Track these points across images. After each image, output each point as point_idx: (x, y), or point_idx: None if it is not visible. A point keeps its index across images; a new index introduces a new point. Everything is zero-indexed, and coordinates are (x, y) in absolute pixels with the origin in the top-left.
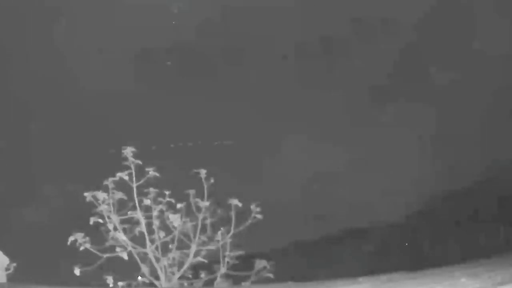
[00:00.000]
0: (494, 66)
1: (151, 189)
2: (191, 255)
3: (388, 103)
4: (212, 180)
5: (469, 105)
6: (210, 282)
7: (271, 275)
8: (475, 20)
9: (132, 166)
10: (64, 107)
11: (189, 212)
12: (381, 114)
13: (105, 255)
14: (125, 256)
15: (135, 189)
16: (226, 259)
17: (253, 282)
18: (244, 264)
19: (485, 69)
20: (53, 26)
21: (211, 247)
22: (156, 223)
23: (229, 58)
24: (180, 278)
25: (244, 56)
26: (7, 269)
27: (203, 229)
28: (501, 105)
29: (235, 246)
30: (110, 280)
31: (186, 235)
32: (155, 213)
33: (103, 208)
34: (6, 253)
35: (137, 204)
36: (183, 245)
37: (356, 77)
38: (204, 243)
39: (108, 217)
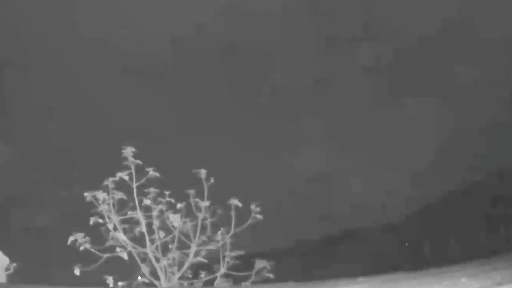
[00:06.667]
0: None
1: (151, 189)
2: (191, 255)
3: (389, 105)
4: (212, 180)
5: (470, 107)
6: (210, 282)
7: (271, 275)
8: None
9: (132, 166)
10: (65, 109)
11: (189, 212)
12: (382, 116)
13: (105, 255)
14: (125, 256)
15: (135, 189)
16: (226, 259)
17: (253, 282)
18: (244, 264)
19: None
20: (55, 24)
21: (211, 247)
22: (156, 223)
23: (229, 58)
24: (180, 278)
25: (245, 57)
26: (7, 269)
27: (203, 229)
28: (502, 109)
29: (235, 246)
30: (110, 280)
31: (186, 235)
32: (155, 213)
33: (103, 208)
34: (6, 253)
35: (137, 204)
36: (183, 245)
37: (358, 79)
38: (204, 243)
39: (108, 217)
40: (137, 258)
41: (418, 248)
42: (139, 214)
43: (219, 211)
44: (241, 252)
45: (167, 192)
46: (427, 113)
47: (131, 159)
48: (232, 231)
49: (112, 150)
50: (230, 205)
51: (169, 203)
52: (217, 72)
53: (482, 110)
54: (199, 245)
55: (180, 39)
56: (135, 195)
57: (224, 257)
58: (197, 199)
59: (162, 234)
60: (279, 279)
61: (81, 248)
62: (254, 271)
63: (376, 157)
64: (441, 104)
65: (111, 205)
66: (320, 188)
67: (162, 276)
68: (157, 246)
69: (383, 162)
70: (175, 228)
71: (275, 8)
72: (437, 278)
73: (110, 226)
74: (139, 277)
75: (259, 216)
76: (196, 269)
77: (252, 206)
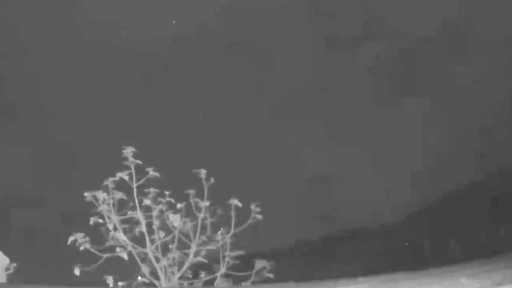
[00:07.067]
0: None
1: (151, 189)
2: (191, 255)
3: (389, 105)
4: (212, 180)
5: (470, 107)
6: (210, 282)
7: (271, 275)
8: None
9: (132, 166)
10: (65, 109)
11: (189, 212)
12: (382, 116)
13: (105, 255)
14: (125, 256)
15: (135, 189)
16: (226, 259)
17: (253, 282)
18: (244, 264)
19: (488, 73)
20: (55, 24)
21: (211, 247)
22: (156, 223)
23: (229, 58)
24: (180, 278)
25: (245, 57)
26: (7, 269)
27: (203, 229)
28: (502, 109)
29: (235, 246)
30: (110, 280)
31: (186, 235)
32: (155, 213)
33: (103, 208)
34: (6, 253)
35: (137, 204)
36: (183, 245)
37: (358, 79)
38: (204, 243)
39: (108, 217)
40: (137, 258)
41: (418, 248)
42: (139, 214)
43: (219, 211)
44: (241, 252)
45: (167, 192)
46: (427, 113)
47: (131, 159)
48: (232, 231)
49: (112, 150)
50: (230, 205)
51: (169, 203)
52: (217, 72)
53: (482, 110)
54: (199, 245)
55: (180, 39)
56: (135, 195)
57: (224, 257)
58: (197, 199)
59: (162, 234)
60: (279, 279)
61: (81, 248)
62: (254, 271)
63: (376, 157)
64: (441, 104)
65: (111, 205)
66: (320, 188)
67: (162, 276)
68: (157, 246)
69: (383, 162)
70: (175, 228)
71: (275, 8)
72: (437, 278)
73: (110, 226)
74: (139, 277)
75: (259, 216)
76: (196, 269)
77: (252, 206)
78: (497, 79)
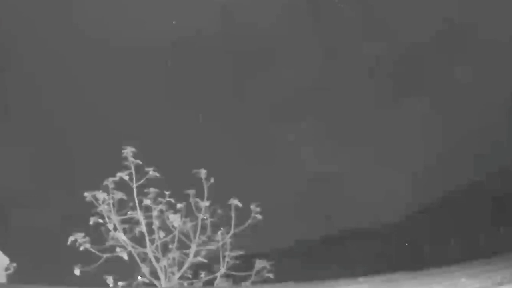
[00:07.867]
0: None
1: (151, 189)
2: (191, 255)
3: (389, 106)
4: (212, 180)
5: (470, 107)
6: (210, 282)
7: (271, 275)
8: None
9: (132, 166)
10: (65, 109)
11: (189, 212)
12: (382, 116)
13: (105, 255)
14: (125, 256)
15: (135, 189)
16: (226, 259)
17: (253, 282)
18: (244, 264)
19: (488, 73)
20: (55, 24)
21: (211, 247)
22: (156, 223)
23: (229, 58)
24: (180, 278)
25: (245, 57)
26: (7, 269)
27: (203, 229)
28: (502, 109)
29: (235, 246)
30: (110, 280)
31: (186, 235)
32: (155, 213)
33: (103, 208)
34: (6, 253)
35: (137, 204)
36: (183, 245)
37: (358, 79)
38: (204, 243)
39: (108, 217)
40: (137, 258)
41: (418, 248)
42: (139, 214)
43: (219, 211)
44: (241, 252)
45: (167, 192)
46: (427, 113)
47: (131, 159)
48: (232, 231)
49: (112, 150)
50: (230, 205)
51: (169, 203)
52: (217, 72)
53: (482, 110)
54: (199, 245)
55: (181, 39)
56: (135, 195)
57: (224, 257)
58: (197, 199)
59: (162, 234)
60: (279, 279)
61: (81, 248)
62: (254, 271)
63: (376, 157)
64: (441, 104)
65: (111, 205)
66: (320, 188)
67: (162, 276)
68: (157, 246)
69: (383, 162)
70: (175, 228)
71: (275, 8)
72: (437, 278)
73: (110, 226)
74: (139, 277)
75: (259, 216)
76: (196, 269)
77: (252, 206)
78: (497, 79)
